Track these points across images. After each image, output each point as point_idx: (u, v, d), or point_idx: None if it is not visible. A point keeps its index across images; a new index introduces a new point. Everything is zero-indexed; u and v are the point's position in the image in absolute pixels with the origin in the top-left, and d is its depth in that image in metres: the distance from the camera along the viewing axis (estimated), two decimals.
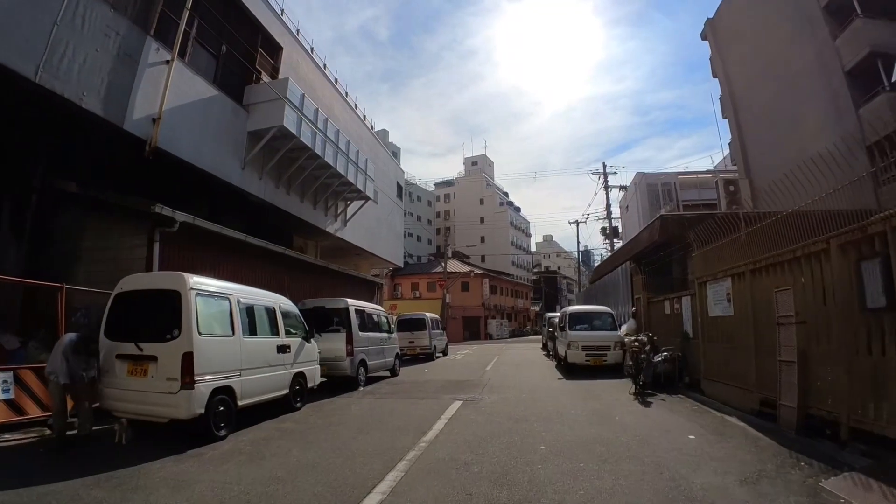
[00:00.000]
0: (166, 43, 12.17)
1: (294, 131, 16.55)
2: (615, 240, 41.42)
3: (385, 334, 14.50)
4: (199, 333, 6.83)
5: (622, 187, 41.96)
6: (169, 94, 11.98)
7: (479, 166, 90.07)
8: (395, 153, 73.03)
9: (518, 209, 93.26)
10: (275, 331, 8.82)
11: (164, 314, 6.89)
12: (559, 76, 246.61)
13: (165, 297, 6.96)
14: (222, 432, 7.04)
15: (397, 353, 15.48)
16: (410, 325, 21.89)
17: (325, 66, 24.19)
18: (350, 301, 12.42)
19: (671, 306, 13.52)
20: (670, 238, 15.67)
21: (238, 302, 7.82)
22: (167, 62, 12.05)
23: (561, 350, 16.48)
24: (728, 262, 9.50)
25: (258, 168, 17.19)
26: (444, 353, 24.57)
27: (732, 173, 34.87)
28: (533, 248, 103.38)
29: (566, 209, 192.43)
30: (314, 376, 10.16)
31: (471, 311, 52.55)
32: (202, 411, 6.70)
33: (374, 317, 14.34)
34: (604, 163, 46.01)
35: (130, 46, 11.20)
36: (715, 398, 9.61)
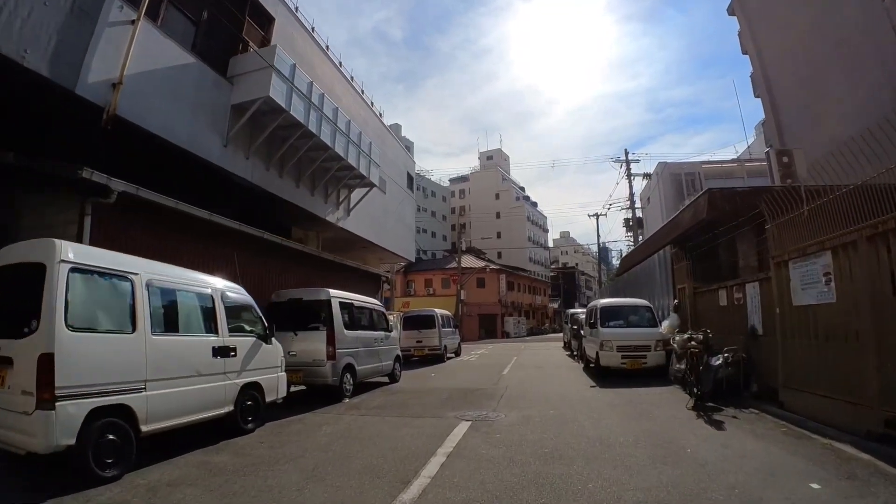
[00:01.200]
0: (132, 1, 10.52)
1: (283, 104, 14.58)
2: (639, 231, 38.78)
3: (381, 333, 12.18)
4: (70, 327, 4.60)
5: (646, 175, 39.17)
6: (134, 57, 10.35)
7: (494, 161, 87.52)
8: (408, 147, 70.88)
9: (535, 204, 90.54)
10: (210, 327, 6.55)
11: (26, 298, 4.70)
12: (572, 74, 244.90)
13: (29, 273, 4.74)
14: (110, 472, 4.79)
15: (398, 356, 13.15)
16: (418, 322, 19.56)
17: (327, 47, 22.05)
18: (333, 292, 10.10)
19: (729, 296, 11.03)
20: (720, 216, 13.17)
21: (147, 285, 5.53)
22: (132, 22, 10.39)
23: (590, 350, 14.04)
24: (826, 231, 6.98)
25: (244, 147, 15.34)
26: (457, 353, 22.21)
27: (759, 161, 31.90)
28: (550, 245, 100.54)
29: (582, 206, 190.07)
30: (276, 387, 7.86)
31: (487, 309, 50.13)
32: (72, 442, 4.48)
33: (368, 312, 12.04)
34: (626, 149, 42.97)
35: (87, 2, 9.68)
36: (803, 414, 7.21)
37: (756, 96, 31.00)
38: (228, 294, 7.16)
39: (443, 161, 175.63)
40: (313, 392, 10.26)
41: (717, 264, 15.31)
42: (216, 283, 7.02)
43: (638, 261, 20.60)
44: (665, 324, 13.39)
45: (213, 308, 6.71)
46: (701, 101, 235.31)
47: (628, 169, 39.00)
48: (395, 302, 43.43)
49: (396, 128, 66.87)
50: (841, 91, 19.82)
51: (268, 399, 7.61)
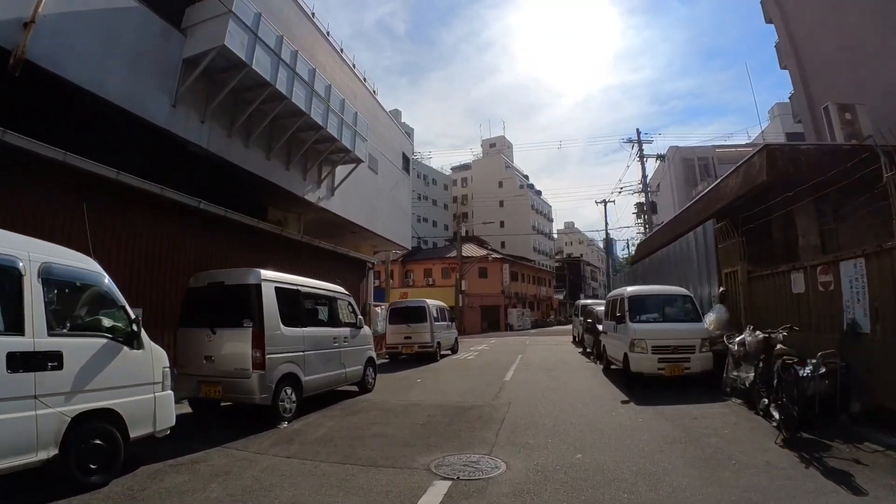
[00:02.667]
0: None
1: (242, 56, 12.13)
2: (652, 216, 35.88)
3: (344, 330, 9.31)
4: None
5: (659, 157, 36.10)
6: None
7: (497, 148, 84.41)
8: (408, 133, 67.97)
9: (539, 192, 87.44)
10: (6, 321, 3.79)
11: None
12: (576, 66, 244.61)
13: None
14: None
15: (370, 359, 10.31)
16: (406, 315, 16.76)
17: (313, 14, 19.24)
18: (266, 274, 7.24)
19: (810, 280, 8.19)
20: (777, 180, 10.38)
21: None
22: None
23: (614, 350, 11.24)
24: None
25: (197, 108, 13.02)
26: (453, 350, 19.41)
27: (777, 145, 29.63)
28: (555, 235, 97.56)
29: (586, 198, 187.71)
30: (152, 414, 5.06)
31: (489, 300, 47.33)
32: None
33: (326, 303, 9.21)
34: (637, 129, 40.01)
35: None
36: None
37: (782, 68, 28.35)
38: (55, 266, 4.36)
39: (448, 153, 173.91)
40: (243, 412, 7.50)
41: (769, 245, 12.47)
42: (25, 246, 4.21)
43: (661, 244, 17.70)
44: (710, 317, 10.64)
45: (15, 289, 3.94)
46: (705, 94, 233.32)
47: (640, 149, 36.10)
48: (393, 293, 40.77)
49: (396, 114, 63.88)
50: (883, 54, 17.21)
51: (135, 433, 4.82)
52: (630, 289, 11.14)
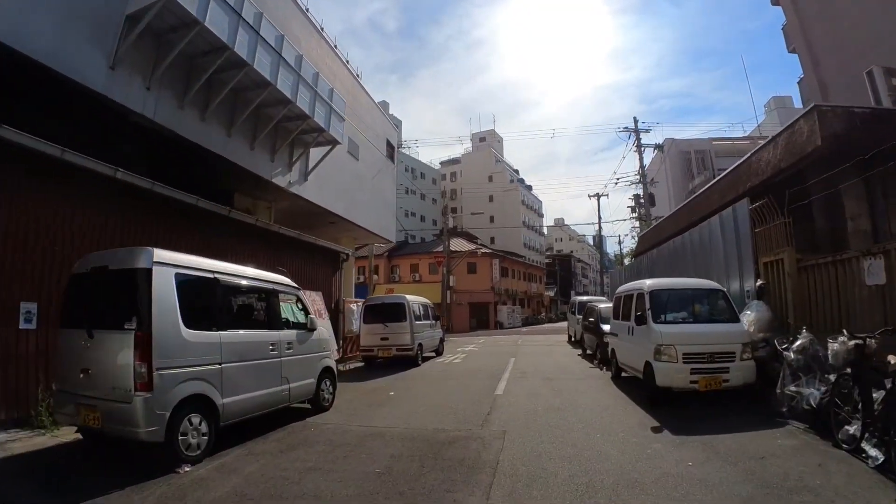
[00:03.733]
0: None
1: (191, 10, 10.45)
2: (651, 208, 34.09)
3: (286, 333, 7.16)
4: None
5: (657, 147, 34.23)
6: None
7: (487, 142, 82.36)
8: (395, 126, 65.77)
9: (530, 187, 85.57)
10: None
11: None
12: (566, 65, 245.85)
13: None
14: None
15: (328, 369, 8.20)
16: (382, 313, 14.67)
17: None
18: (162, 255, 5.08)
19: None
20: (832, 148, 8.52)
21: None
22: None
23: (630, 357, 9.27)
24: None
25: (142, 72, 11.26)
26: (438, 352, 17.39)
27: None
28: (545, 231, 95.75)
29: (576, 196, 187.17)
30: None
31: (478, 297, 45.33)
32: None
33: (260, 297, 7.06)
34: (635, 118, 38.15)
35: None
36: None
37: (790, 51, 26.78)
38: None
39: (438, 151, 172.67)
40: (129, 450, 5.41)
41: (809, 231, 10.58)
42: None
43: (673, 232, 15.78)
44: (749, 316, 8.71)
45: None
46: (693, 93, 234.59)
47: (638, 139, 34.22)
48: (379, 290, 38.63)
49: (384, 106, 61.62)
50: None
51: None
52: (650, 282, 9.14)
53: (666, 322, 8.30)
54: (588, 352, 15.81)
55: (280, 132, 16.82)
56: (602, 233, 45.85)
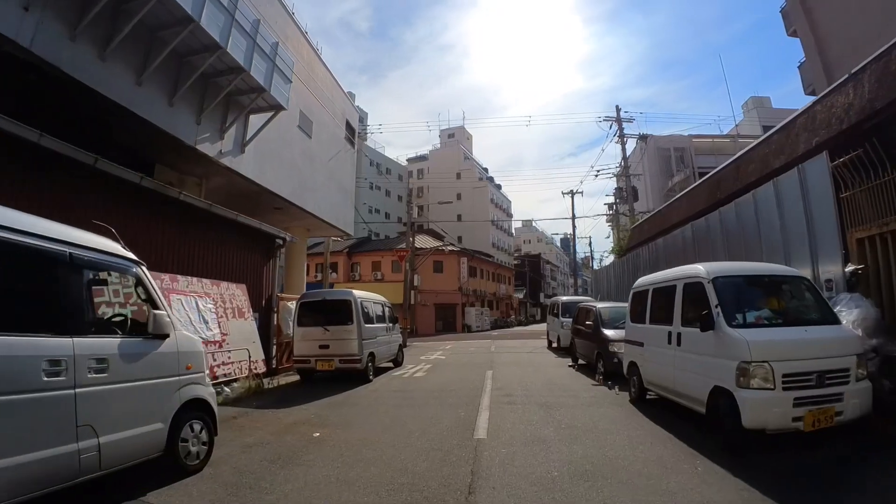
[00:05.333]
0: None
1: None
2: (631, 202, 31.63)
3: (103, 342, 3.86)
4: None
5: (642, 137, 31.82)
6: None
7: (456, 139, 79.35)
8: (361, 119, 62.20)
9: (499, 186, 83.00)
10: None
11: None
12: (536, 71, 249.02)
13: None
14: None
15: (196, 403, 4.83)
16: (321, 313, 11.27)
17: None
18: None
19: None
20: None
21: None
22: None
23: (678, 379, 6.17)
24: None
25: None
26: (397, 361, 14.09)
27: (752, 138, 26.55)
28: (514, 231, 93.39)
29: (544, 201, 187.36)
30: None
31: (445, 297, 42.16)
32: None
33: (25, 268, 3.63)
34: (617, 106, 35.79)
35: None
36: None
37: (790, 35, 24.76)
38: None
39: (406, 152, 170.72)
40: None
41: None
42: None
43: (683, 219, 12.96)
44: (847, 315, 5.87)
45: None
46: (659, 102, 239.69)
47: (620, 128, 31.62)
48: (337, 288, 34.96)
49: (351, 97, 57.76)
50: None
51: None
52: (708, 267, 6.08)
53: (746, 325, 5.30)
54: (581, 361, 12.85)
55: (210, 88, 13.53)
56: (575, 232, 43.33)
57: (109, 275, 4.87)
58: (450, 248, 44.32)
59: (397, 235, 53.19)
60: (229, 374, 10.43)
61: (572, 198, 42.20)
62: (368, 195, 64.31)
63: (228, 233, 11.81)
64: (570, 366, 13.05)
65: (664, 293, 6.85)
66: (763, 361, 4.78)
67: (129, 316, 5.31)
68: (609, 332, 10.56)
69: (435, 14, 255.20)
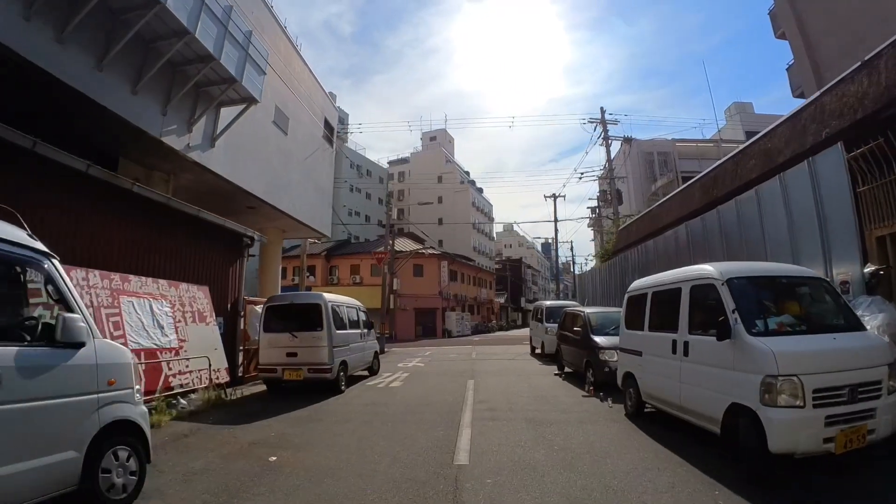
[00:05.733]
0: None
1: None
2: (615, 205, 31.22)
3: None
4: None
5: (626, 139, 31.48)
6: None
7: (437, 142, 78.62)
8: (341, 119, 61.15)
9: (481, 190, 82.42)
10: None
11: None
12: (519, 77, 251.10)
13: None
14: None
15: (120, 425, 3.94)
16: (289, 318, 10.39)
17: None
18: None
19: None
20: None
21: None
22: None
23: (686, 393, 5.44)
24: None
25: None
26: (372, 369, 13.25)
27: (736, 143, 26.41)
28: (494, 235, 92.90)
29: (524, 207, 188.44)
30: None
31: (425, 302, 41.35)
32: None
33: None
34: (602, 108, 35.53)
35: None
36: None
37: (778, 37, 24.66)
38: None
39: (389, 157, 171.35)
40: None
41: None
42: None
43: (675, 219, 12.38)
44: (876, 319, 5.26)
45: None
46: (641, 110, 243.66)
47: (605, 130, 31.27)
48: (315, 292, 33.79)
49: (332, 98, 56.64)
50: None
51: None
52: (720, 267, 5.39)
53: (768, 333, 4.62)
54: (567, 369, 12.16)
55: (178, 77, 12.69)
56: (557, 236, 42.84)
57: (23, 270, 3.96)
58: (430, 251, 43.54)
59: (377, 238, 52.18)
60: (187, 384, 9.51)
61: (555, 201, 41.74)
62: (348, 197, 63.19)
63: (190, 230, 10.88)
64: (556, 374, 12.34)
65: (667, 297, 6.16)
66: (791, 375, 4.09)
67: (44, 320, 4.40)
68: (599, 340, 9.88)
69: (420, 19, 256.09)
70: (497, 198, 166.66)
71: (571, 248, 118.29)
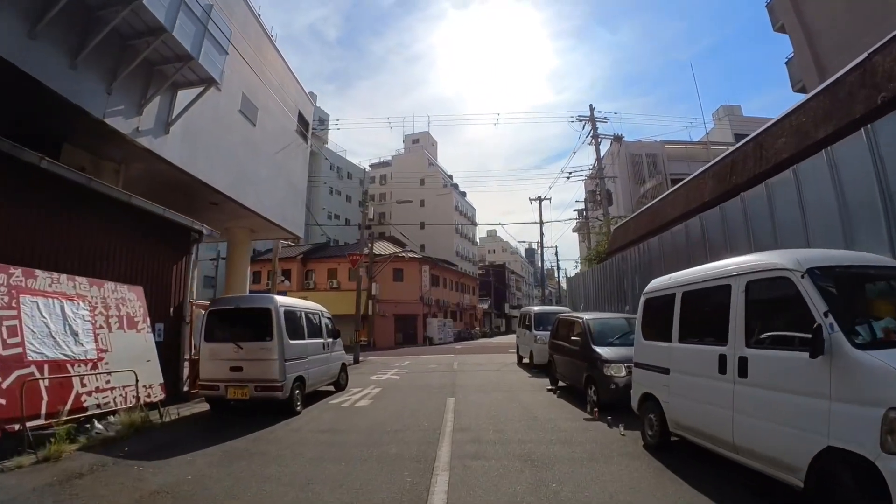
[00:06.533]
0: None
1: None
2: (605, 205, 30.01)
3: None
4: None
5: (617, 138, 30.32)
6: None
7: (420, 144, 77.17)
8: (322, 119, 59.38)
9: (464, 193, 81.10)
10: None
11: None
12: (503, 84, 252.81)
13: None
14: None
15: None
16: (234, 325, 8.71)
17: None
18: None
19: None
20: None
21: None
22: None
23: (760, 430, 3.87)
24: None
25: None
26: (339, 384, 11.57)
27: (725, 145, 25.43)
28: (478, 240, 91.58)
29: (507, 213, 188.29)
30: None
31: (405, 308, 39.68)
32: None
33: None
34: (591, 105, 34.73)
35: None
36: None
37: (776, 30, 23.63)
38: None
39: (369, 160, 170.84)
40: None
41: None
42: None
43: (682, 213, 10.99)
44: None
45: None
46: (625, 117, 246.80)
47: (594, 129, 30.19)
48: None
49: (312, 97, 54.75)
50: None
51: None
52: (788, 256, 3.92)
53: (877, 345, 3.16)
54: (561, 383, 10.69)
55: (127, 53, 11.03)
56: (543, 239, 41.44)
57: None
58: (411, 254, 41.97)
59: (357, 242, 50.40)
60: (106, 403, 7.82)
61: (540, 203, 40.35)
62: (328, 200, 61.38)
63: (122, 220, 9.21)
64: (549, 389, 10.83)
65: (706, 298, 4.70)
66: None
67: None
68: (603, 351, 8.40)
69: (405, 25, 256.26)
70: (480, 203, 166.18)
71: (556, 254, 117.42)
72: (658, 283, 6.07)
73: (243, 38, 16.03)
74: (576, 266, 49.40)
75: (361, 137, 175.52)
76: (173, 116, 13.22)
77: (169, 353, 10.02)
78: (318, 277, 41.46)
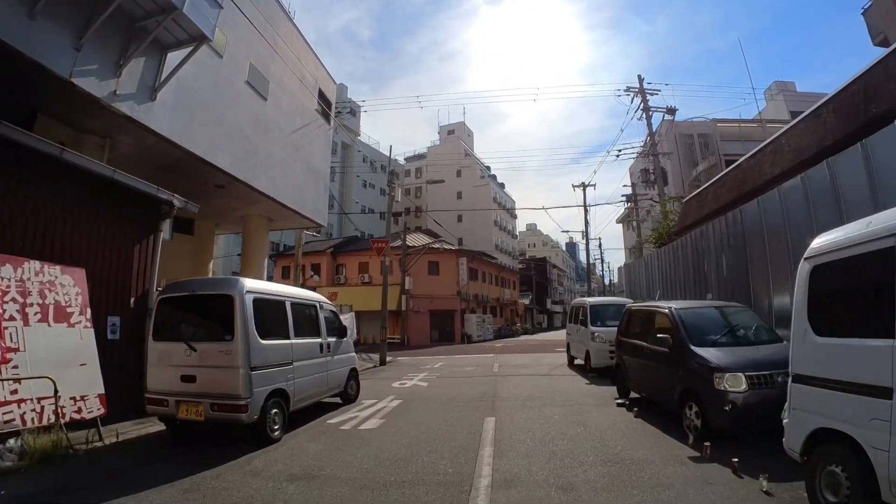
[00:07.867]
0: None
1: None
2: (660, 185, 26.79)
3: None
4: None
5: (670, 110, 26.96)
6: None
7: (456, 135, 74.56)
8: (352, 111, 57.57)
9: (502, 185, 78.07)
10: None
11: None
12: (537, 78, 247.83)
13: None
14: None
15: None
16: (189, 318, 6.36)
17: None
18: None
19: None
20: None
21: None
22: None
23: None
24: None
25: None
26: (346, 395, 9.03)
27: (781, 123, 21.77)
28: (518, 234, 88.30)
29: (547, 209, 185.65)
30: None
31: (441, 303, 37.16)
32: None
33: None
34: (639, 75, 30.96)
35: None
36: None
37: None
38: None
39: (403, 154, 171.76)
40: None
41: None
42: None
43: (791, 165, 8.07)
44: None
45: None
46: (675, 92, 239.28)
47: (644, 101, 26.81)
48: (322, 294, 29.88)
49: (342, 89, 53.05)
50: None
51: None
52: None
53: None
54: (634, 394, 7.98)
55: (101, 3, 8.89)
56: (588, 228, 38.27)
57: None
58: (446, 246, 39.47)
59: (393, 234, 48.38)
60: (9, 420, 5.63)
61: (584, 189, 37.26)
62: (361, 193, 59.63)
63: (58, 183, 7.00)
64: (619, 402, 8.09)
65: None
66: None
67: None
68: (709, 355, 5.66)
69: (437, 23, 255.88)
70: (518, 199, 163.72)
71: (600, 245, 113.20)
72: (841, 236, 3.33)
73: (251, 2, 13.95)
74: (625, 258, 45.80)
75: (398, 136, 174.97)
76: (160, 79, 11.11)
77: (126, 354, 7.81)
78: (348, 272, 39.45)
